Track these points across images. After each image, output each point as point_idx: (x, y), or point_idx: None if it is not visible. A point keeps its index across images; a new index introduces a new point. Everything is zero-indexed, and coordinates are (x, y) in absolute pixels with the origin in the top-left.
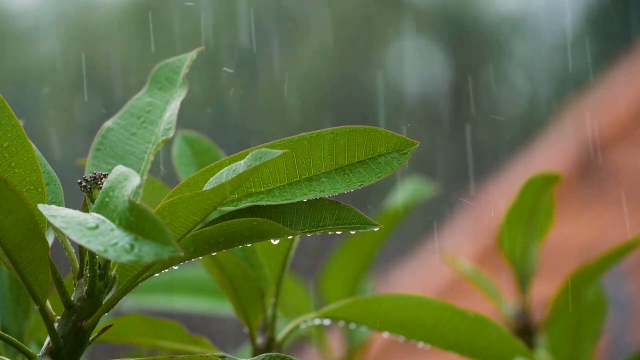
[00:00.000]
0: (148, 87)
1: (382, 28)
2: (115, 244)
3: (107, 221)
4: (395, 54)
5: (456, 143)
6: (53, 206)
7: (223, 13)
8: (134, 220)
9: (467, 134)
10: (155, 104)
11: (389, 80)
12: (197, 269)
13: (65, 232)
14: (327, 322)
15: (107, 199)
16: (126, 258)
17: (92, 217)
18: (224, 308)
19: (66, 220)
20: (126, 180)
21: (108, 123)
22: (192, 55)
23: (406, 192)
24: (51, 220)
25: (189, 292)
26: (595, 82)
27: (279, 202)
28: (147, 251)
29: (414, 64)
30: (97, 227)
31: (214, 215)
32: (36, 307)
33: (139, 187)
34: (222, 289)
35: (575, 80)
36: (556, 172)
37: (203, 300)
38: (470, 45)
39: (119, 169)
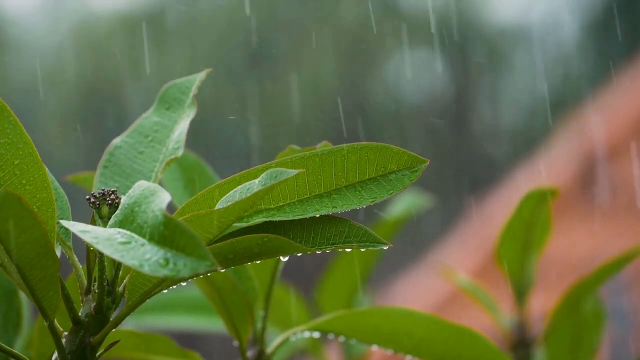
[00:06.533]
0: (156, 106)
1: (381, 39)
2: (149, 258)
3: (136, 236)
4: (394, 66)
5: (456, 155)
6: (78, 222)
7: (223, 23)
8: (169, 234)
9: (467, 146)
10: (163, 123)
11: (388, 92)
12: (191, 289)
13: (97, 247)
14: (316, 334)
15: (132, 215)
16: (162, 273)
17: (119, 233)
18: (219, 326)
19: (95, 236)
20: (153, 196)
21: (116, 141)
22: (201, 76)
23: (402, 204)
24: (81, 235)
25: (184, 310)
26: (596, 95)
27: (290, 217)
28: (183, 265)
29: (413, 75)
30: (129, 242)
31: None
32: (45, 323)
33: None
34: (210, 302)
35: (576, 93)
36: (553, 187)
37: (198, 318)
38: (470, 56)
39: (142, 184)
